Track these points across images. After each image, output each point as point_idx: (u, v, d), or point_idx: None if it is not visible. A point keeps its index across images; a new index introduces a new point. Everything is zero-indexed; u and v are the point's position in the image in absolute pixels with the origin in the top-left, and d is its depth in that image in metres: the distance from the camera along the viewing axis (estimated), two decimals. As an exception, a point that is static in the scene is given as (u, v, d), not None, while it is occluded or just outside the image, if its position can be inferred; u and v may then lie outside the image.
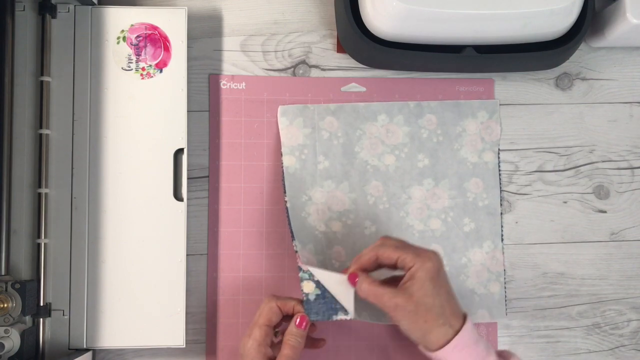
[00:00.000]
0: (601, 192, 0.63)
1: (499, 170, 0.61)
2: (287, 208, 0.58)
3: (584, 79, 0.64)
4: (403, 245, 0.50)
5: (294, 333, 0.51)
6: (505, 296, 0.61)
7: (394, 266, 0.50)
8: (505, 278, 0.61)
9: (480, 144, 0.61)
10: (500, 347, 0.61)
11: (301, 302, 0.53)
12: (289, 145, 0.59)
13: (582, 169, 0.63)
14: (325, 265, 0.58)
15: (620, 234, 0.63)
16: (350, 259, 0.54)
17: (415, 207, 0.60)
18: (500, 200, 0.61)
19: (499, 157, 0.61)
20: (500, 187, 0.61)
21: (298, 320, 0.52)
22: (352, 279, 0.51)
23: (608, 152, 0.64)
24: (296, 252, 0.55)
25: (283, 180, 0.59)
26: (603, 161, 0.64)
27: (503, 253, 0.61)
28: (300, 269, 0.53)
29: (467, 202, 0.60)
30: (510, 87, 0.64)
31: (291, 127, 0.59)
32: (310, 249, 0.58)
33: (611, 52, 0.64)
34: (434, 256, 0.49)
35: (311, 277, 0.53)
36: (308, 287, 0.53)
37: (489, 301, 0.60)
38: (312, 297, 0.52)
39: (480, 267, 0.60)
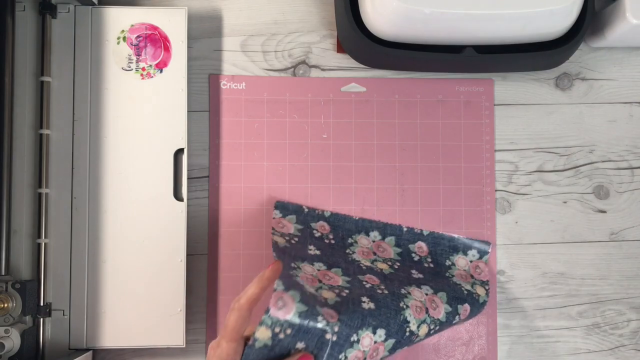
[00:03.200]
0: (601, 192, 0.63)
1: (485, 307, 0.58)
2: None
3: (583, 79, 0.64)
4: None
5: None
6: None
7: None
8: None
9: (469, 279, 0.59)
10: (500, 347, 0.61)
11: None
12: (279, 231, 0.58)
13: (582, 169, 0.64)
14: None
15: (620, 234, 0.63)
16: (346, 326, 0.44)
17: (415, 304, 0.51)
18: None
19: (487, 295, 0.58)
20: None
21: (299, 358, 0.42)
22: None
23: (608, 152, 0.64)
24: (275, 290, 0.43)
25: (273, 251, 0.55)
26: (603, 161, 0.64)
27: None
28: (267, 311, 0.41)
29: (455, 323, 0.55)
30: (510, 87, 0.64)
31: (283, 220, 0.59)
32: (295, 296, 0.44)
33: (611, 52, 0.64)
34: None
35: (274, 325, 0.41)
36: (262, 334, 0.41)
37: None
38: (258, 345, 0.41)
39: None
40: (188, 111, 0.59)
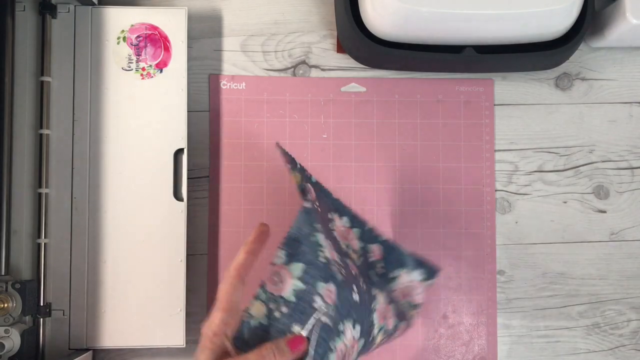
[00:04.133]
0: (601, 192, 0.63)
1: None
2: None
3: (584, 79, 0.64)
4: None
5: (278, 346, 0.41)
6: None
7: None
8: None
9: (405, 298, 0.52)
10: (500, 347, 0.61)
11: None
12: (269, 291, 0.43)
13: (582, 169, 0.64)
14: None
15: (620, 234, 0.63)
16: (338, 313, 0.43)
17: (380, 309, 0.48)
18: None
19: (409, 319, 0.52)
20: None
21: (292, 338, 0.41)
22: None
23: (608, 152, 0.64)
24: (273, 264, 0.42)
25: (236, 334, 0.43)
26: (603, 161, 0.64)
27: None
28: (262, 285, 0.41)
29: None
30: (510, 87, 0.64)
31: (283, 269, 0.44)
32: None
33: (611, 52, 0.64)
34: None
35: (269, 301, 0.41)
36: (258, 310, 0.41)
37: None
38: (253, 323, 0.41)
39: None
40: (188, 111, 0.59)
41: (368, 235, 0.52)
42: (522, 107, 0.64)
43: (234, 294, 0.41)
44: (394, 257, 0.51)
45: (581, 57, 0.64)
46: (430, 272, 0.52)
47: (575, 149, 0.64)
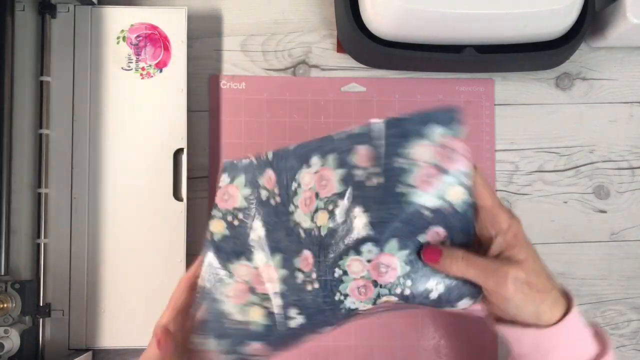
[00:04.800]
0: (601, 192, 0.63)
1: (472, 214, 0.40)
2: (201, 289, 0.44)
3: (584, 79, 0.64)
4: (495, 195, 0.40)
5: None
6: None
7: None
8: None
9: (440, 178, 0.39)
10: (501, 347, 0.61)
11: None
12: (223, 208, 0.45)
13: (582, 169, 0.63)
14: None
15: (620, 234, 0.63)
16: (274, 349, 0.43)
17: (356, 285, 0.41)
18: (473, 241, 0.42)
19: (470, 194, 0.40)
20: (474, 230, 0.41)
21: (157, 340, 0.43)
22: (433, 255, 0.40)
23: (608, 152, 0.64)
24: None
25: (204, 250, 0.46)
26: (603, 161, 0.64)
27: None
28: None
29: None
30: (510, 87, 0.64)
31: (230, 187, 0.45)
32: (216, 344, 0.43)
33: (611, 52, 0.64)
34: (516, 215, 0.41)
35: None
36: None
37: None
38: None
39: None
40: (188, 111, 0.59)
41: (344, 144, 0.43)
42: (522, 107, 0.64)
43: (187, 300, 0.44)
44: (391, 138, 0.41)
45: (581, 57, 0.64)
46: (450, 115, 0.40)
47: (576, 149, 0.64)
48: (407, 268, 0.40)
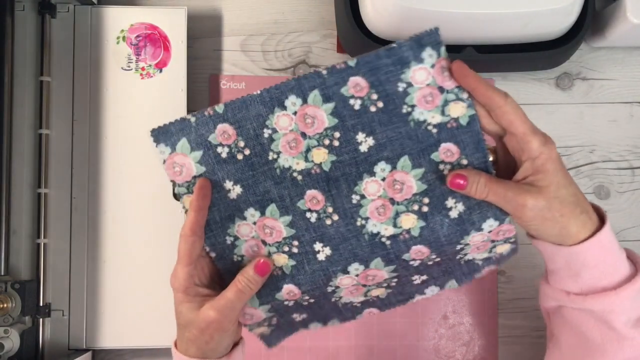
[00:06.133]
0: (602, 192, 0.63)
1: (479, 127, 0.41)
2: (211, 258, 0.45)
3: (584, 79, 0.64)
4: (527, 120, 0.40)
5: (247, 276, 0.43)
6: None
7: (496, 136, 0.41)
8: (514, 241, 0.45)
9: (439, 96, 0.41)
10: (500, 347, 0.61)
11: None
12: (182, 181, 0.43)
13: (583, 169, 0.63)
14: (278, 312, 0.46)
15: (620, 234, 0.63)
16: (308, 294, 0.44)
17: (375, 207, 0.42)
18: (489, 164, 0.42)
19: (474, 108, 0.40)
20: (485, 148, 0.41)
21: (258, 264, 0.43)
22: (458, 180, 0.40)
23: (608, 152, 0.64)
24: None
25: None
26: (603, 161, 0.64)
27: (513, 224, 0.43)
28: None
29: (444, 177, 0.41)
30: (510, 87, 0.64)
31: (176, 155, 0.43)
32: (255, 303, 0.45)
33: (611, 52, 0.64)
34: (553, 141, 0.41)
35: (262, 324, 0.46)
36: (258, 330, 0.47)
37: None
38: (267, 333, 0.47)
39: (482, 243, 0.44)
40: (188, 111, 0.59)
41: (333, 79, 0.42)
42: (522, 107, 0.63)
43: (194, 250, 0.43)
44: (384, 67, 0.42)
45: (582, 57, 0.64)
46: (433, 38, 0.40)
47: (576, 149, 0.63)
48: (424, 186, 0.42)
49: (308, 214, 0.43)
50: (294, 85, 0.41)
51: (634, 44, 0.63)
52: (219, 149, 0.43)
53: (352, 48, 0.60)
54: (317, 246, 0.43)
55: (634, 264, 0.43)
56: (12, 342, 0.53)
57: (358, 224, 0.42)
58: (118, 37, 0.59)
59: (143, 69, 0.58)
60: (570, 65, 0.64)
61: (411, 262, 0.44)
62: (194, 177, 0.43)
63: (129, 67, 0.58)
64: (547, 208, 0.39)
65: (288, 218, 0.43)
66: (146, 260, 0.57)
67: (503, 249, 0.45)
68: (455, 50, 0.57)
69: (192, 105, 0.61)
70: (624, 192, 0.63)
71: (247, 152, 0.43)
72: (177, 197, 0.45)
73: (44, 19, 0.57)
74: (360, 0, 0.56)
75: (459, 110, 0.41)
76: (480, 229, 0.42)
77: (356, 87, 0.41)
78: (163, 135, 0.43)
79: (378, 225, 0.42)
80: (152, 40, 0.59)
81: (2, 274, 0.54)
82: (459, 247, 0.43)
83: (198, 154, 0.43)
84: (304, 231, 0.43)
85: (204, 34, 0.62)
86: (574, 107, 0.64)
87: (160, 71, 0.59)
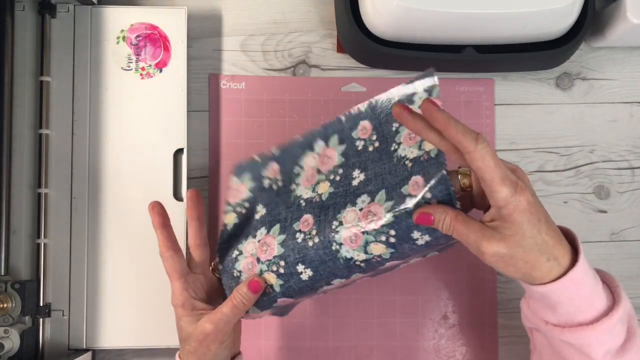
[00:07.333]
0: (601, 192, 0.63)
1: (444, 158, 0.43)
2: (219, 272, 0.52)
3: (584, 79, 0.64)
4: (497, 168, 0.38)
5: (242, 293, 0.46)
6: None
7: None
8: None
9: (417, 138, 0.46)
10: (500, 347, 0.61)
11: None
12: (233, 202, 0.52)
13: (583, 169, 0.63)
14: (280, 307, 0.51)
15: (620, 234, 0.63)
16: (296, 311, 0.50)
17: (348, 235, 0.44)
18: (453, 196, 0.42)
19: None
20: (449, 182, 0.41)
21: (251, 282, 0.47)
22: (425, 218, 0.41)
23: (608, 152, 0.64)
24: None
25: (219, 240, 0.52)
26: (603, 161, 0.64)
27: None
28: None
29: (410, 211, 0.42)
30: (510, 87, 0.64)
31: (239, 185, 0.52)
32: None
33: (611, 52, 0.64)
34: (527, 185, 0.39)
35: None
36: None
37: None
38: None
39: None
40: (188, 111, 0.59)
41: (348, 124, 0.49)
42: (522, 107, 0.64)
43: (177, 264, 0.48)
44: (384, 109, 0.48)
45: (581, 56, 0.64)
46: (427, 81, 0.46)
47: (576, 149, 0.63)
48: (392, 219, 0.43)
49: (297, 234, 0.47)
50: (322, 131, 0.50)
51: (634, 44, 0.63)
52: (265, 181, 0.51)
53: (352, 48, 0.60)
54: (300, 267, 0.46)
55: (611, 292, 0.43)
56: (12, 342, 0.53)
57: (333, 248, 0.45)
58: (118, 37, 0.59)
59: (143, 69, 0.58)
60: (570, 65, 0.64)
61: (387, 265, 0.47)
62: (242, 200, 0.51)
63: (129, 67, 0.58)
64: (509, 255, 0.39)
65: (282, 237, 0.48)
66: (146, 260, 0.57)
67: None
68: (455, 50, 0.57)
69: (192, 105, 0.61)
70: (624, 192, 0.64)
71: (280, 183, 0.51)
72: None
73: (44, 19, 0.57)
74: (360, 0, 0.56)
75: (430, 145, 0.44)
76: (445, 248, 0.47)
77: (363, 130, 0.49)
78: (238, 170, 0.52)
79: (351, 252, 0.45)
80: (152, 40, 0.59)
81: (2, 274, 0.54)
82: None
83: (252, 184, 0.51)
84: (290, 251, 0.47)
85: (204, 34, 0.62)
86: (574, 107, 0.64)
87: (160, 71, 0.59)
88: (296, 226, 0.47)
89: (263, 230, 0.49)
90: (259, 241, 0.49)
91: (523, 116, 0.63)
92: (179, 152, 0.59)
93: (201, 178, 0.61)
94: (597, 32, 0.62)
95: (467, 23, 0.53)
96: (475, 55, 0.57)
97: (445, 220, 0.40)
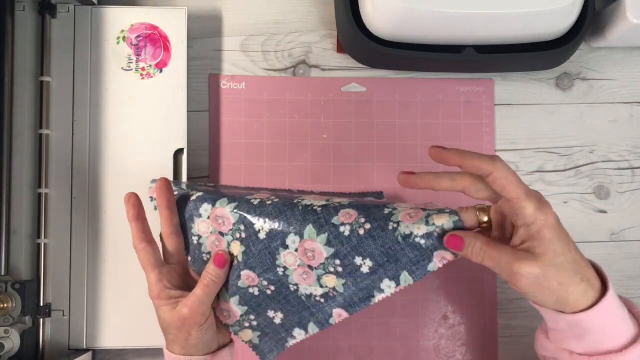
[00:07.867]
0: (601, 192, 0.63)
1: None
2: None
3: (584, 79, 0.64)
4: (520, 184, 0.39)
5: (209, 271, 0.47)
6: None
7: (491, 199, 0.41)
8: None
9: (420, 214, 0.43)
10: (500, 347, 0.61)
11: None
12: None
13: (583, 169, 0.63)
14: (250, 306, 0.51)
15: (620, 234, 0.63)
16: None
17: (298, 275, 0.47)
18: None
19: (457, 217, 0.42)
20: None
21: (215, 256, 0.47)
22: (455, 242, 0.40)
23: (608, 152, 0.64)
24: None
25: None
26: (603, 161, 0.64)
27: None
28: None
29: (346, 238, 0.44)
30: (510, 87, 0.64)
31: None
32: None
33: (611, 52, 0.64)
34: (549, 204, 0.40)
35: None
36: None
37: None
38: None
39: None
40: (188, 111, 0.59)
41: (326, 213, 0.45)
42: (522, 107, 0.64)
43: (150, 255, 0.48)
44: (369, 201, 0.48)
45: (581, 57, 0.64)
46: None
47: (576, 149, 0.64)
48: (331, 250, 0.44)
49: (249, 289, 0.49)
50: (286, 227, 0.46)
51: (633, 44, 0.63)
52: (250, 289, 0.49)
53: (352, 48, 0.60)
54: (270, 313, 0.50)
55: (637, 320, 0.42)
56: (12, 342, 0.53)
57: (292, 289, 0.47)
58: (118, 37, 0.59)
59: (143, 69, 0.58)
60: (570, 65, 0.64)
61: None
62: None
63: (129, 67, 0.58)
64: (542, 276, 0.38)
65: (236, 297, 0.49)
66: (146, 260, 0.57)
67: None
68: (455, 50, 0.57)
69: (192, 105, 0.61)
70: (624, 192, 0.64)
71: (272, 287, 0.48)
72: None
73: (44, 19, 0.57)
74: (360, 0, 0.56)
75: (440, 220, 0.43)
76: (398, 283, 0.45)
77: (346, 215, 0.45)
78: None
79: (308, 288, 0.47)
80: (152, 40, 0.59)
81: (2, 274, 0.54)
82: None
83: (235, 298, 0.49)
84: (255, 305, 0.49)
85: (204, 34, 0.62)
86: (573, 107, 0.64)
87: (160, 71, 0.59)
88: (241, 283, 0.48)
89: (207, 206, 0.48)
90: (208, 217, 0.48)
91: (523, 116, 0.63)
92: (179, 152, 0.59)
93: (201, 178, 0.61)
94: (597, 32, 0.62)
95: (467, 23, 0.53)
96: (475, 55, 0.57)
97: (476, 244, 0.40)
